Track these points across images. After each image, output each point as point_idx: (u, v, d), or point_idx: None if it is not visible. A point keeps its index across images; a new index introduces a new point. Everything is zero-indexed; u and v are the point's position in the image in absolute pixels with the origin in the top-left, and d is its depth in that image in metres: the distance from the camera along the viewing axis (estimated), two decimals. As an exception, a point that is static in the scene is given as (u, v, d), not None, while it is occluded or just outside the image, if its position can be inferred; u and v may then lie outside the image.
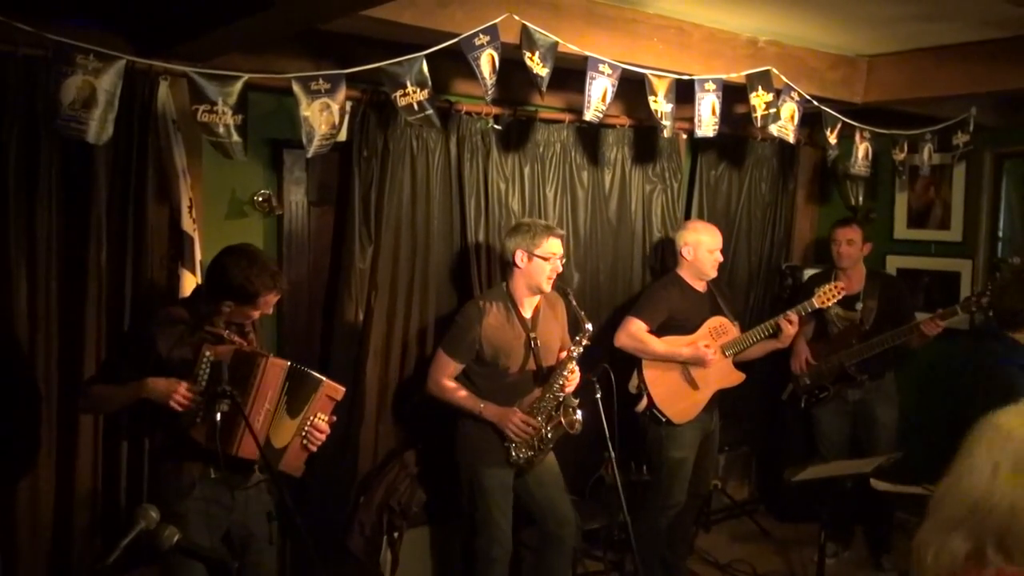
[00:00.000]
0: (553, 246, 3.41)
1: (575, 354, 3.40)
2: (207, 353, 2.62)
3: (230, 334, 2.76)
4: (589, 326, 3.40)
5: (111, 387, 2.71)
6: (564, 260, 3.51)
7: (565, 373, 3.39)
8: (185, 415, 2.61)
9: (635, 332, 3.85)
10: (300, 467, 2.81)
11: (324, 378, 2.82)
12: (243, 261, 2.69)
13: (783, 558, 4.64)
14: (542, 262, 3.39)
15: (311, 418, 2.79)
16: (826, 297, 4.06)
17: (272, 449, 2.72)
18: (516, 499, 3.53)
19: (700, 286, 3.99)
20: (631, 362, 3.91)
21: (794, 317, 3.93)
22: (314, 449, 2.81)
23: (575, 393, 3.45)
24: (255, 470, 2.82)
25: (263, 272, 2.69)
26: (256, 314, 2.78)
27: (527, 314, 3.49)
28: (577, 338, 3.42)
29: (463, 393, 3.45)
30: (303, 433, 2.78)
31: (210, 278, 2.76)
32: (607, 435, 3.24)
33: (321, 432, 2.81)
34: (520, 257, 3.41)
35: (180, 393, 2.59)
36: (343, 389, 2.89)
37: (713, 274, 4.00)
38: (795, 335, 4.58)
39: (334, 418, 2.86)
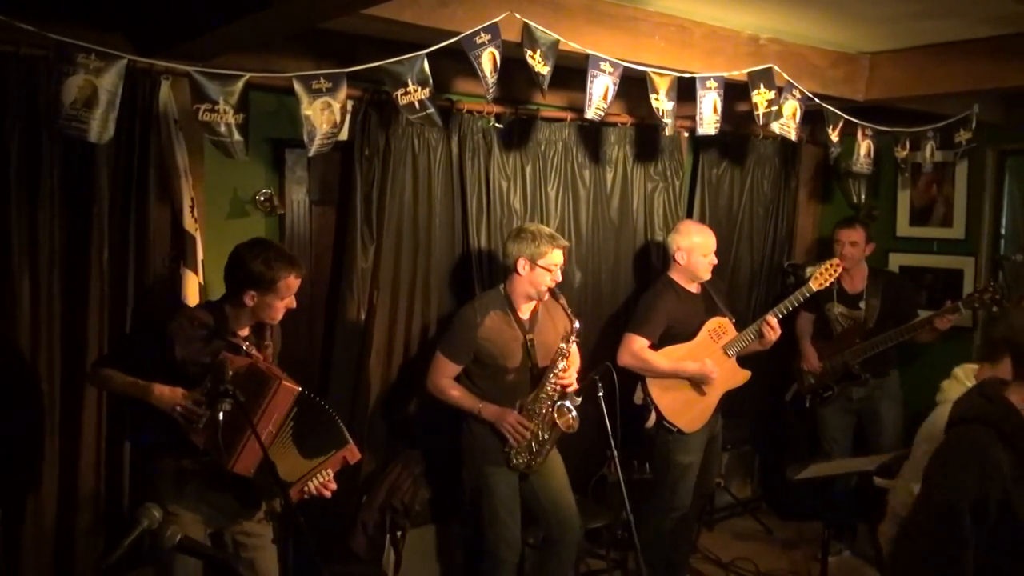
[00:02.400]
0: (556, 257, 3.39)
1: (565, 352, 3.39)
2: (223, 363, 2.59)
3: (249, 346, 2.75)
4: (577, 325, 3.39)
5: (121, 374, 2.69)
6: (564, 269, 3.50)
7: (557, 371, 3.39)
8: (187, 422, 2.60)
9: (637, 351, 3.80)
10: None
11: (350, 440, 2.80)
12: (257, 248, 2.71)
13: (786, 556, 4.64)
14: (543, 272, 3.38)
15: (322, 470, 2.77)
16: (823, 278, 4.02)
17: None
18: (523, 500, 3.53)
19: (694, 287, 3.95)
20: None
21: (773, 321, 3.86)
22: (307, 497, 2.78)
23: (578, 391, 3.45)
24: (262, 506, 2.82)
25: (280, 256, 2.71)
26: (280, 305, 2.74)
27: (524, 316, 3.49)
28: (564, 335, 3.41)
29: (462, 394, 3.45)
30: (309, 478, 2.75)
31: (229, 271, 2.75)
32: (610, 433, 3.23)
33: (321, 487, 2.77)
34: (522, 265, 3.39)
35: (183, 405, 2.58)
36: (360, 457, 2.89)
37: (707, 277, 3.94)
38: (801, 337, 4.59)
39: (334, 485, 2.82)
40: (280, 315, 2.79)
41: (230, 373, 2.54)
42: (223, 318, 2.75)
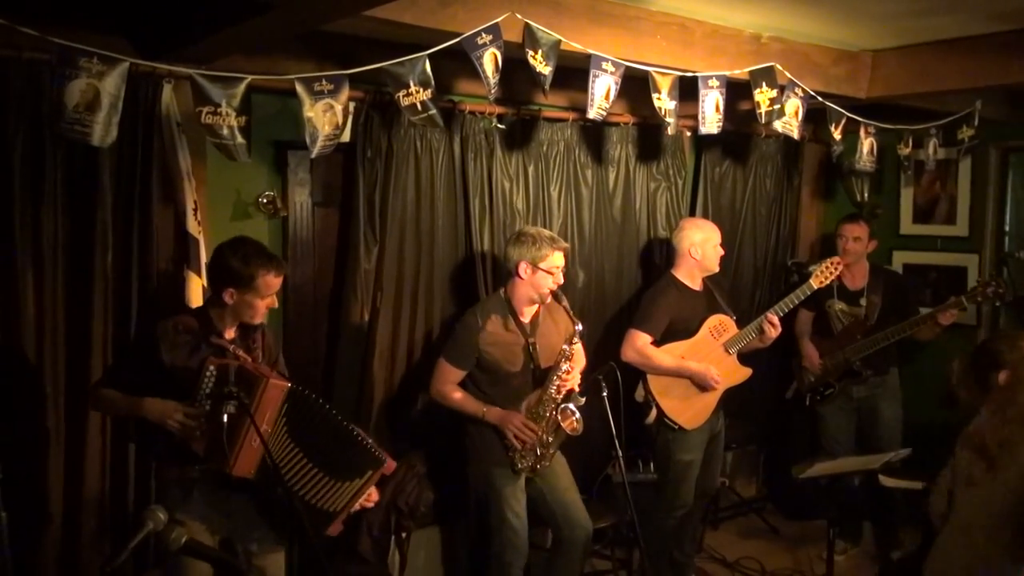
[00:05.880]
0: (557, 260, 3.39)
1: (568, 354, 3.39)
2: (211, 368, 2.60)
3: (235, 348, 2.75)
4: (580, 327, 3.38)
5: (116, 393, 2.70)
6: (566, 271, 3.50)
7: (560, 374, 3.38)
8: (189, 431, 2.60)
9: (641, 347, 3.80)
10: (339, 527, 2.87)
11: (385, 457, 2.83)
12: (236, 245, 2.73)
13: (791, 555, 4.63)
14: (545, 275, 3.38)
15: (365, 491, 2.83)
16: (824, 276, 4.01)
17: (321, 512, 2.75)
18: (529, 502, 3.52)
19: (697, 285, 3.95)
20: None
21: (775, 319, 3.86)
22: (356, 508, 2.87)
23: (583, 391, 3.45)
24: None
25: (259, 253, 2.71)
26: (261, 304, 2.74)
27: (526, 320, 3.49)
28: (567, 337, 3.41)
29: (466, 398, 3.45)
30: (353, 503, 2.83)
31: (210, 269, 2.79)
32: (614, 434, 3.23)
33: (365, 502, 2.87)
34: (523, 268, 3.39)
35: (175, 419, 2.59)
36: (395, 465, 2.93)
37: (717, 268, 3.96)
38: (800, 335, 4.58)
39: (376, 496, 2.92)
40: (261, 315, 2.79)
41: (233, 376, 2.54)
42: (208, 321, 2.75)
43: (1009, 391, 2.66)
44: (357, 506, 2.81)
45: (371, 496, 2.85)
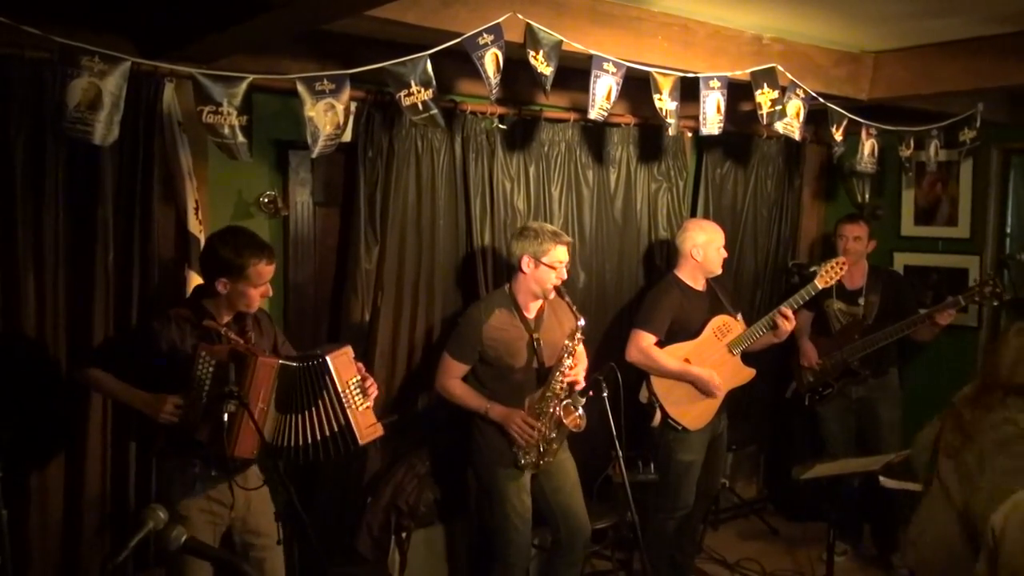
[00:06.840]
0: (560, 254, 3.40)
1: (571, 350, 3.40)
2: (203, 353, 2.64)
3: (227, 331, 2.78)
4: (582, 322, 3.40)
5: (110, 377, 2.74)
6: (569, 267, 3.50)
7: (563, 370, 3.39)
8: (184, 422, 2.64)
9: (645, 347, 3.81)
10: (377, 428, 2.86)
11: (327, 357, 2.76)
12: (227, 235, 2.77)
13: (791, 557, 4.63)
14: (548, 269, 3.39)
15: (347, 390, 2.78)
16: (829, 276, 4.00)
17: (344, 433, 2.76)
18: (532, 500, 3.52)
19: (700, 285, 3.96)
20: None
21: (788, 312, 3.87)
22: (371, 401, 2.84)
23: (583, 392, 3.45)
24: (255, 470, 2.87)
25: (250, 243, 2.74)
26: (254, 293, 2.76)
27: (530, 315, 3.49)
28: (570, 333, 3.41)
29: (470, 394, 3.46)
30: (355, 402, 2.80)
31: (202, 259, 2.82)
32: (614, 434, 3.23)
33: (369, 390, 2.83)
34: (526, 263, 3.40)
35: (167, 411, 2.63)
36: (347, 347, 2.85)
37: (720, 270, 3.96)
38: (799, 335, 4.58)
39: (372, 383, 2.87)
40: (256, 303, 2.82)
41: (232, 376, 2.56)
42: (201, 308, 2.79)
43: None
44: (362, 401, 2.79)
45: (366, 386, 2.82)
